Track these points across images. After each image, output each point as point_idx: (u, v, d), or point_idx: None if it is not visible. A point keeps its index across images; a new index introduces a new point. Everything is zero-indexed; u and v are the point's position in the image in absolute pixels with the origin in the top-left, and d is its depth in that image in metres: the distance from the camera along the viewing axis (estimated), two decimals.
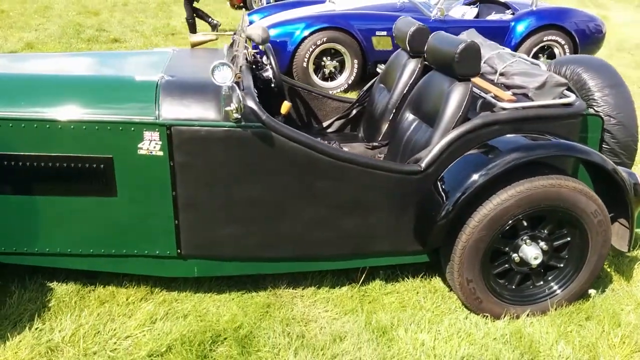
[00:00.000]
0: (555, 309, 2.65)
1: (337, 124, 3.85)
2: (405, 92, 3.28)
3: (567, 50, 7.31)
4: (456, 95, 2.62)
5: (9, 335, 2.43)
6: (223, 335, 2.50)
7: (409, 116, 3.00)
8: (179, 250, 2.57)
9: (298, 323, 2.60)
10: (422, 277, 2.94)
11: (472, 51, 2.59)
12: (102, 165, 2.42)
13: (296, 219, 2.56)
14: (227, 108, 2.30)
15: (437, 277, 2.94)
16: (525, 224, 2.51)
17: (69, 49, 8.72)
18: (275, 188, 2.50)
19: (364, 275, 2.85)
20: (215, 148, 2.40)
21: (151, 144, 2.39)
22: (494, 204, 2.41)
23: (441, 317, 2.65)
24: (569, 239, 2.60)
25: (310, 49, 6.41)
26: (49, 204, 2.47)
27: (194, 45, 3.50)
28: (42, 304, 2.65)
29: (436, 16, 6.89)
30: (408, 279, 2.93)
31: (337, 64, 6.64)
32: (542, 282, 2.66)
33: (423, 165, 2.56)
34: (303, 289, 2.85)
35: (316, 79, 6.61)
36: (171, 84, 2.47)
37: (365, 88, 3.88)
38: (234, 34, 3.52)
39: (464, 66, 2.59)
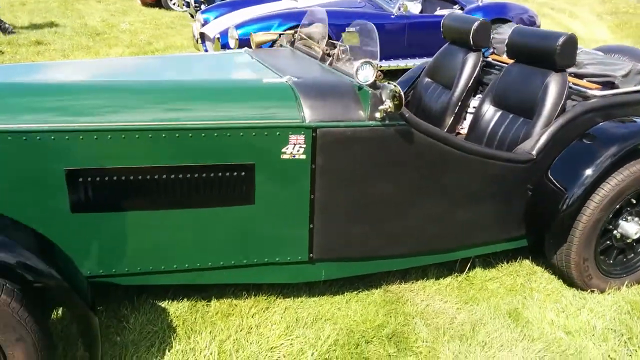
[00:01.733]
0: None
1: None
2: (469, 85, 3.43)
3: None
4: (555, 86, 2.81)
5: (155, 359, 2.26)
6: (369, 335, 2.49)
7: (490, 109, 3.15)
8: (310, 255, 2.52)
9: (429, 315, 2.66)
10: (509, 261, 3.11)
11: (572, 43, 2.79)
12: (243, 173, 2.31)
13: (422, 214, 2.62)
14: (382, 107, 2.30)
15: (525, 260, 3.12)
16: (633, 201, 2.76)
17: None
18: (407, 185, 2.53)
19: (468, 265, 2.96)
20: (358, 148, 2.39)
21: (295, 148, 2.32)
22: (611, 186, 2.63)
23: (553, 296, 2.84)
24: None
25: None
26: (186, 217, 2.32)
27: (258, 44, 3.39)
28: (165, 324, 2.47)
29: (399, 12, 7.13)
30: (500, 264, 3.08)
31: None
32: (633, 254, 2.93)
33: (534, 154, 2.72)
34: (411, 283, 2.90)
35: None
36: (305, 86, 2.41)
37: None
38: (295, 32, 3.44)
39: (564, 57, 2.79)
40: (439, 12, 8.17)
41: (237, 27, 6.34)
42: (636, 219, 2.81)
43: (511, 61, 3.27)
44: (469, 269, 2.99)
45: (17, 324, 1.79)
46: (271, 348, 2.39)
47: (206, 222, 2.34)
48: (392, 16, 7.12)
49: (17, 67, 2.73)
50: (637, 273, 2.93)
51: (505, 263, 3.09)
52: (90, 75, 2.63)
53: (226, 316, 2.56)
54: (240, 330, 2.47)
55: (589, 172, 2.62)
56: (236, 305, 2.64)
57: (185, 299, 2.63)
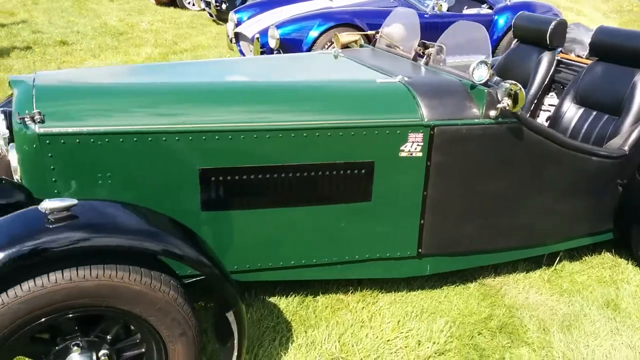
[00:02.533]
0: None
1: None
2: (545, 84, 3.50)
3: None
4: None
5: (281, 352, 2.32)
6: (478, 327, 2.56)
7: (571, 106, 3.22)
8: (419, 250, 2.58)
9: (530, 307, 2.73)
10: (591, 254, 3.19)
11: None
12: (363, 170, 2.38)
13: (526, 209, 2.69)
14: (500, 105, 2.36)
15: (607, 253, 3.20)
16: None
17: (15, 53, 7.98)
18: (515, 180, 2.60)
19: (558, 258, 3.04)
20: (471, 145, 2.45)
21: (413, 146, 2.39)
22: None
23: None
24: None
25: (326, 46, 6.43)
26: (305, 214, 2.38)
27: (344, 44, 3.44)
28: (280, 319, 2.54)
29: (433, 11, 7.20)
30: (584, 257, 3.16)
31: None
32: None
33: (627, 149, 2.80)
34: (504, 277, 2.98)
35: None
36: (419, 85, 2.47)
37: None
38: (376, 32, 3.50)
39: None
40: (466, 11, 8.25)
41: (278, 27, 6.39)
42: None
43: (585, 60, 3.34)
44: (555, 264, 3.06)
45: (182, 320, 1.84)
46: (387, 341, 2.46)
47: (325, 219, 2.40)
48: (426, 15, 7.18)
49: (140, 69, 2.78)
50: None
51: (589, 256, 3.17)
52: (207, 77, 2.67)
53: (336, 311, 2.63)
54: (353, 325, 2.53)
55: None
56: (343, 300, 2.70)
57: (294, 295, 2.69)
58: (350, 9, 6.78)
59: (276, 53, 6.49)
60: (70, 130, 2.02)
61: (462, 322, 2.58)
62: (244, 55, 7.34)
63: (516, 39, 3.81)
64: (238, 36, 7.37)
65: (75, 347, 1.78)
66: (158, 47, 9.11)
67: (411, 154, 2.40)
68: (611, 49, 3.07)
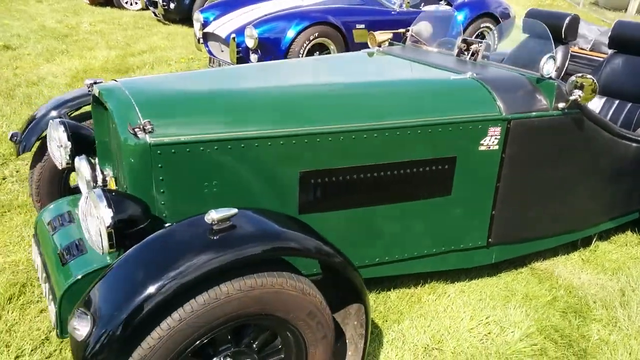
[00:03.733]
0: None
1: None
2: (561, 77, 3.72)
3: (496, 34, 8.36)
4: None
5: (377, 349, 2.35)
6: (549, 311, 2.70)
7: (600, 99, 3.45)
8: (489, 240, 2.69)
9: (584, 287, 2.91)
10: (616, 234, 3.43)
11: None
12: (446, 166, 2.45)
13: (580, 194, 2.87)
14: (572, 97, 2.50)
15: (627, 232, 3.45)
16: None
17: None
18: (574, 168, 2.77)
19: (594, 240, 3.25)
20: (541, 137, 2.59)
21: (491, 139, 2.48)
22: None
23: None
24: None
25: (304, 45, 6.44)
26: (393, 211, 2.42)
27: (379, 43, 3.46)
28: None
29: (400, 8, 7.38)
30: (611, 237, 3.39)
31: None
32: None
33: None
34: (550, 260, 3.15)
35: None
36: (491, 80, 2.56)
37: None
38: (406, 31, 3.56)
39: None
40: (425, 7, 8.48)
41: (255, 26, 6.32)
42: None
43: (595, 53, 3.58)
44: (584, 246, 3.27)
45: (325, 323, 1.84)
46: (470, 329, 2.54)
47: (411, 215, 2.45)
48: (393, 12, 7.35)
49: (214, 73, 2.68)
50: None
51: (615, 236, 3.41)
52: (286, 80, 2.62)
53: (411, 304, 2.68)
54: (433, 317, 2.60)
55: None
56: (414, 294, 2.76)
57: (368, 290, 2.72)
58: (323, 7, 6.81)
59: (253, 53, 6.42)
60: (182, 139, 1.95)
61: (531, 306, 2.71)
62: (213, 55, 7.20)
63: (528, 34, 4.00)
64: (207, 36, 7.21)
65: (228, 359, 1.74)
66: (112, 49, 8.73)
67: (489, 148, 2.49)
68: (631, 41, 3.31)
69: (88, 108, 2.81)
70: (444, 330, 2.51)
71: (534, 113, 2.52)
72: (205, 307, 1.55)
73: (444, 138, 2.40)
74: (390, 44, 3.56)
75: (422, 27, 3.51)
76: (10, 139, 2.78)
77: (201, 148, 1.99)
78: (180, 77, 2.45)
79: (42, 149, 2.79)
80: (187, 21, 10.97)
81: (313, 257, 1.77)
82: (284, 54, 6.41)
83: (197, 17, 7.31)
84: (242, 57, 6.53)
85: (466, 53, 3.02)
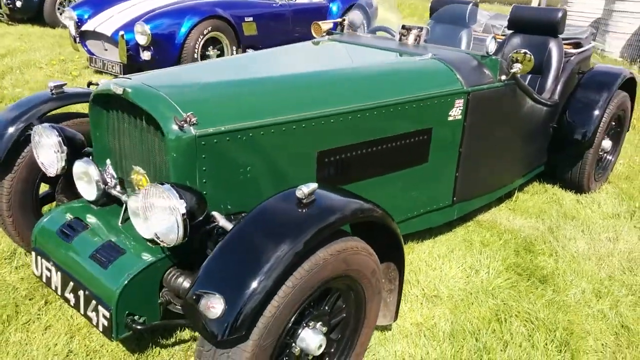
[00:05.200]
0: None
1: None
2: None
3: (365, 23, 8.97)
4: (558, 49, 3.79)
5: None
6: (506, 250, 3.20)
7: None
8: (454, 199, 3.11)
9: (524, 229, 3.46)
10: (527, 186, 4.08)
11: (566, 14, 3.80)
12: (425, 136, 2.79)
13: (514, 152, 3.40)
14: (513, 70, 2.98)
15: (535, 184, 4.12)
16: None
17: None
18: (510, 129, 3.28)
19: (515, 193, 3.85)
20: (489, 105, 3.03)
21: (456, 110, 2.88)
22: (610, 110, 3.75)
23: (574, 197, 3.89)
24: None
25: (199, 39, 6.44)
26: (382, 183, 2.69)
27: (324, 32, 3.65)
28: None
29: (282, 0, 7.62)
30: (524, 189, 4.03)
31: (218, 52, 6.81)
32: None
33: (557, 98, 3.70)
34: (487, 213, 3.67)
35: None
36: (449, 59, 2.93)
37: None
38: (343, 20, 3.80)
39: (562, 26, 3.78)
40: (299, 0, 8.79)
41: (146, 22, 6.16)
42: None
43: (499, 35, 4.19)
44: (513, 196, 3.87)
45: (379, 279, 2.08)
46: (452, 276, 2.94)
47: (399, 183, 2.75)
48: (275, 5, 7.57)
49: (232, 61, 2.72)
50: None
51: (527, 187, 4.06)
52: (288, 68, 2.73)
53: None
54: (416, 271, 2.95)
55: (597, 112, 3.70)
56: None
57: None
58: (212, 1, 6.81)
59: (145, 50, 6.26)
60: (222, 128, 2.05)
61: (491, 250, 3.18)
62: (93, 54, 6.85)
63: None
64: (84, 35, 6.83)
65: (312, 323, 1.90)
66: None
67: (455, 118, 2.89)
68: (526, 22, 3.93)
69: (56, 112, 2.72)
70: (434, 281, 2.87)
71: (485, 85, 2.97)
72: (309, 273, 1.71)
73: (423, 112, 2.73)
74: (329, 33, 3.81)
75: (354, 17, 3.81)
76: None
77: (238, 136, 2.10)
78: (196, 68, 2.52)
79: (9, 160, 2.60)
80: (37, 20, 10.14)
81: (376, 217, 1.97)
82: (178, 49, 6.33)
83: (70, 15, 6.88)
84: (132, 55, 6.34)
85: (406, 38, 3.37)
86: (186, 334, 2.40)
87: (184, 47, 6.33)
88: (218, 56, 6.79)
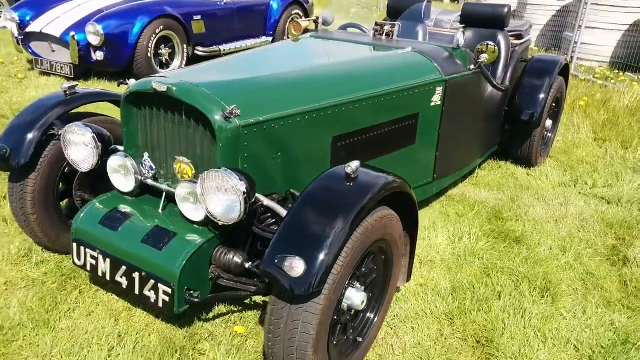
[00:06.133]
0: None
1: None
2: None
3: (303, 18, 9.29)
4: (505, 40, 4.28)
5: None
6: (479, 219, 3.63)
7: None
8: (434, 176, 3.50)
9: (489, 201, 3.92)
10: (483, 164, 4.57)
11: (510, 10, 4.29)
12: (413, 120, 3.15)
13: (480, 132, 3.85)
14: (480, 60, 3.40)
15: (490, 162, 4.62)
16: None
17: None
18: (477, 111, 3.72)
19: (476, 170, 4.32)
20: (461, 91, 3.45)
21: (437, 97, 3.26)
22: (552, 93, 4.29)
23: (524, 171, 4.42)
24: None
25: (151, 38, 6.50)
26: (379, 164, 3.01)
27: (305, 29, 3.89)
28: None
29: None
30: (482, 167, 4.51)
31: (170, 50, 6.89)
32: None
33: (508, 84, 4.19)
34: (456, 188, 4.10)
35: (157, 68, 6.73)
36: (427, 51, 3.31)
37: None
38: (317, 18, 4.07)
39: (508, 20, 4.27)
40: None
41: (98, 22, 6.15)
42: None
43: (445, 29, 4.63)
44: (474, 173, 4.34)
45: (403, 243, 2.42)
46: (439, 244, 3.32)
47: (394, 163, 3.07)
48: (220, 3, 7.71)
49: (255, 55, 2.95)
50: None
51: (484, 164, 4.54)
52: (303, 62, 3.05)
53: None
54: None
55: (542, 95, 4.22)
56: None
57: None
58: (161, 0, 6.85)
59: (98, 50, 6.25)
60: (260, 119, 2.30)
61: (467, 219, 3.61)
62: (39, 56, 6.72)
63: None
64: (29, 36, 6.69)
65: (354, 282, 2.20)
66: None
67: (436, 103, 3.27)
68: (475, 17, 4.39)
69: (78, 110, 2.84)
70: (426, 249, 3.24)
71: (459, 74, 3.37)
72: (362, 237, 2.01)
73: (412, 99, 3.09)
74: (306, 31, 4.09)
75: (326, 15, 4.11)
76: None
77: (272, 125, 2.36)
78: (218, 65, 2.74)
79: (33, 160, 2.70)
80: None
81: (403, 188, 2.28)
82: (131, 49, 6.37)
83: (12, 16, 6.72)
84: (83, 55, 6.31)
85: (379, 34, 3.72)
86: (222, 308, 2.62)
87: (137, 46, 6.37)
88: (170, 55, 6.88)
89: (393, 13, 4.81)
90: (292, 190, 2.43)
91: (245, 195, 2.07)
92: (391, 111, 2.97)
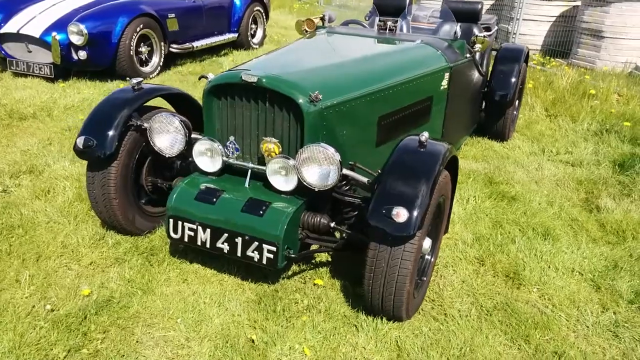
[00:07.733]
0: None
1: None
2: None
3: (264, 15, 9.69)
4: (479, 32, 4.94)
5: None
6: (478, 184, 4.27)
7: None
8: None
9: (479, 170, 4.57)
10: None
11: (482, 5, 4.94)
12: (429, 103, 3.72)
13: (468, 113, 4.49)
14: (475, 49, 4.02)
15: (470, 138, 5.29)
16: None
17: None
18: (468, 93, 4.35)
19: (462, 145, 4.97)
20: (460, 76, 4.06)
21: (444, 81, 3.84)
22: (520, 80, 5.02)
23: (510, 143, 5.12)
24: None
25: (133, 37, 6.71)
26: None
27: (315, 26, 4.32)
28: None
29: None
30: (464, 143, 5.17)
31: (149, 48, 7.11)
32: None
33: (483, 70, 4.87)
34: None
35: (137, 66, 6.93)
36: (432, 43, 3.89)
37: None
38: (323, 16, 4.53)
39: (480, 14, 4.93)
40: None
41: (80, 22, 6.29)
42: None
43: (428, 23, 5.25)
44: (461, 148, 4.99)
45: (450, 199, 2.97)
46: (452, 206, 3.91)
47: None
48: (191, 1, 7.94)
49: (309, 45, 3.41)
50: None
51: (465, 141, 5.21)
52: (350, 52, 3.56)
53: None
54: None
55: (513, 79, 4.92)
56: None
57: None
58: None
59: (80, 50, 6.38)
60: (334, 102, 2.78)
61: (467, 185, 4.23)
62: (12, 57, 6.74)
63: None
64: (2, 37, 6.70)
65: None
66: None
67: (444, 87, 3.86)
68: (455, 12, 5.01)
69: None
70: None
71: (459, 62, 3.97)
72: (437, 193, 2.53)
73: (428, 84, 3.66)
74: (317, 27, 4.54)
75: (330, 13, 4.60)
76: (84, 147, 2.93)
77: (342, 107, 2.84)
78: (284, 54, 3.22)
79: (115, 150, 3.00)
80: None
81: (454, 153, 2.82)
82: (115, 47, 6.54)
83: None
84: (64, 55, 6.42)
85: (383, 29, 4.26)
86: (295, 268, 3.08)
87: (119, 45, 6.55)
88: (148, 52, 7.09)
89: (380, 10, 5.35)
90: (354, 162, 2.91)
91: (340, 163, 2.54)
92: (415, 94, 3.52)
